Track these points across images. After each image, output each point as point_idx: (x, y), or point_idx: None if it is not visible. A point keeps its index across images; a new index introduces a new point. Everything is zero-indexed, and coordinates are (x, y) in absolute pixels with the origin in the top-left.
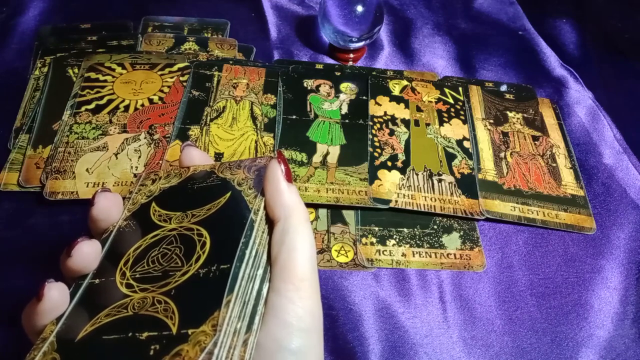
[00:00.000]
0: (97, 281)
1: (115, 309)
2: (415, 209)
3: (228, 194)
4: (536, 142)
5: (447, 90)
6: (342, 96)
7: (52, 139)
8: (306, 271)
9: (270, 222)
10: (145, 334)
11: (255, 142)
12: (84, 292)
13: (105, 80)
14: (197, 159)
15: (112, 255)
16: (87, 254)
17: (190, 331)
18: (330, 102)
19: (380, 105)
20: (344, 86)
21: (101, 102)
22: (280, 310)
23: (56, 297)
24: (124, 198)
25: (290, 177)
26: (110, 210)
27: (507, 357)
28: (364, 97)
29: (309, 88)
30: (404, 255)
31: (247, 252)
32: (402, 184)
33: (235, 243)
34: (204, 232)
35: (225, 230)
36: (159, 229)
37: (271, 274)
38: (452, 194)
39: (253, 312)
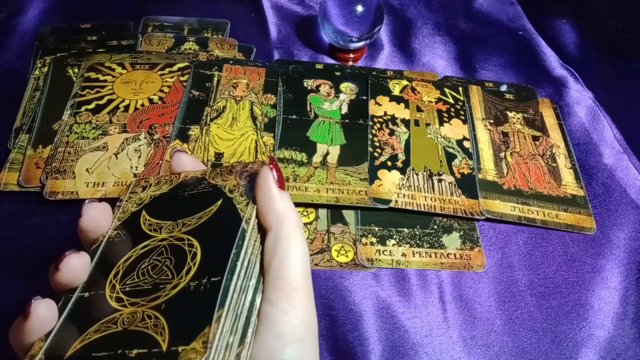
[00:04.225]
0: (86, 294)
1: (104, 324)
2: (415, 209)
3: (219, 202)
4: (536, 142)
5: (447, 90)
6: (342, 96)
7: (52, 139)
8: (299, 280)
9: (263, 230)
10: (135, 352)
11: (255, 142)
12: (73, 307)
13: (105, 80)
14: (188, 164)
15: (102, 267)
16: (75, 267)
17: (180, 348)
18: (330, 102)
19: (380, 105)
20: (344, 86)
21: (101, 102)
22: (273, 321)
23: (44, 314)
24: (113, 207)
25: (282, 184)
26: (99, 220)
27: (507, 357)
28: (364, 97)
29: (309, 88)
30: (404, 255)
31: (239, 263)
32: (402, 184)
33: (226, 254)
34: (195, 243)
35: (216, 241)
36: (149, 239)
37: (264, 284)
38: (452, 194)
39: (246, 325)
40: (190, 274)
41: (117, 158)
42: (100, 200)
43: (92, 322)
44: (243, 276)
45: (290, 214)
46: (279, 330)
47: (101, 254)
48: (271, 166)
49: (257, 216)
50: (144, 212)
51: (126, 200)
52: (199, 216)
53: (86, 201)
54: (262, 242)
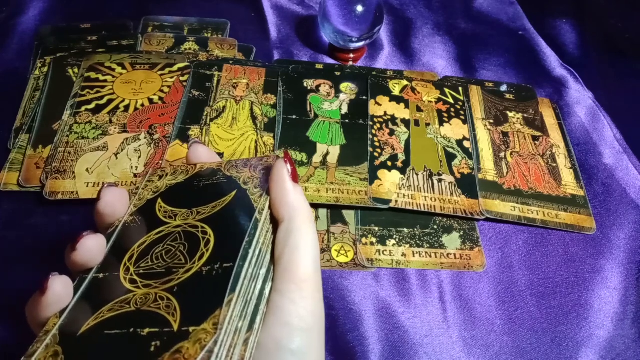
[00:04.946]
0: (101, 275)
1: (118, 304)
2: (415, 209)
3: (233, 193)
4: (536, 142)
5: (447, 90)
6: (342, 96)
7: (52, 139)
8: (309, 272)
9: (275, 222)
10: (147, 330)
11: (255, 142)
12: (88, 286)
13: (105, 80)
14: (204, 156)
15: (117, 250)
16: (91, 248)
17: (191, 329)
18: (330, 102)
19: (380, 105)
20: (344, 86)
21: (101, 102)
22: (281, 310)
23: (60, 290)
24: (130, 193)
25: (296, 177)
26: (116, 205)
27: (507, 357)
28: (364, 97)
29: (309, 88)
30: (404, 255)
31: (251, 251)
32: (402, 184)
33: (239, 242)
34: (209, 230)
35: (230, 229)
36: (164, 225)
37: (274, 274)
38: (452, 194)
39: (255, 312)
40: (203, 260)
41: (117, 158)
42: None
43: (105, 301)
44: (254, 264)
45: (302, 206)
46: (287, 319)
47: (117, 237)
48: (286, 160)
49: (270, 208)
50: (159, 200)
51: (143, 188)
52: (214, 205)
53: (105, 185)
54: (274, 234)
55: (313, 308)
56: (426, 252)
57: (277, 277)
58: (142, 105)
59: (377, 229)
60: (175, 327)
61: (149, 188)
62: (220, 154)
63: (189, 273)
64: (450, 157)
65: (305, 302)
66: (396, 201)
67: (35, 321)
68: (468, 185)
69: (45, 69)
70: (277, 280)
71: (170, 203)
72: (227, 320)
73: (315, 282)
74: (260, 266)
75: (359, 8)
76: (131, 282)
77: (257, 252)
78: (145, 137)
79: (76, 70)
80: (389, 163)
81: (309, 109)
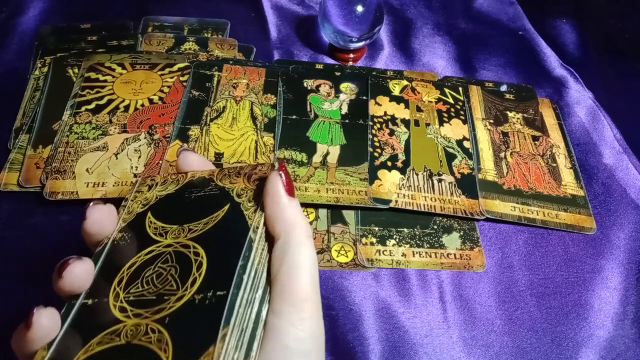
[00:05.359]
0: (90, 302)
1: (107, 335)
2: (415, 209)
3: (226, 206)
4: (536, 142)
5: (447, 90)
6: (342, 96)
7: (52, 139)
8: (308, 291)
9: (270, 238)
10: None
11: (255, 142)
12: (76, 314)
13: (105, 80)
14: (195, 163)
15: (106, 272)
16: (78, 275)
17: None
18: (330, 102)
19: (380, 105)
20: (344, 86)
21: (101, 102)
22: (279, 333)
23: (45, 325)
24: (117, 206)
25: (292, 190)
26: (104, 222)
27: (507, 357)
28: (364, 97)
29: (309, 88)
30: (404, 255)
31: (245, 277)
32: (402, 184)
33: (233, 266)
34: (201, 251)
35: (223, 250)
36: (154, 244)
37: (270, 294)
38: (452, 194)
39: (251, 339)
40: (195, 286)
41: (117, 158)
42: (105, 201)
43: (95, 331)
44: (249, 289)
45: (299, 222)
46: (285, 342)
47: (105, 258)
48: (280, 172)
49: (264, 224)
50: (149, 214)
51: (132, 200)
52: (206, 221)
53: (91, 203)
54: (270, 250)
55: (312, 329)
56: (426, 252)
57: (274, 297)
58: (142, 105)
59: (377, 229)
60: None
61: (138, 200)
62: (221, 154)
63: (181, 301)
64: (450, 157)
65: (304, 324)
66: (396, 201)
67: (23, 354)
68: (468, 185)
69: (45, 69)
70: (274, 301)
71: (161, 218)
72: (221, 356)
73: (315, 303)
74: (256, 289)
75: (359, 8)
76: (121, 311)
77: (252, 275)
78: (145, 137)
79: (76, 70)
80: (389, 163)
81: (309, 109)
